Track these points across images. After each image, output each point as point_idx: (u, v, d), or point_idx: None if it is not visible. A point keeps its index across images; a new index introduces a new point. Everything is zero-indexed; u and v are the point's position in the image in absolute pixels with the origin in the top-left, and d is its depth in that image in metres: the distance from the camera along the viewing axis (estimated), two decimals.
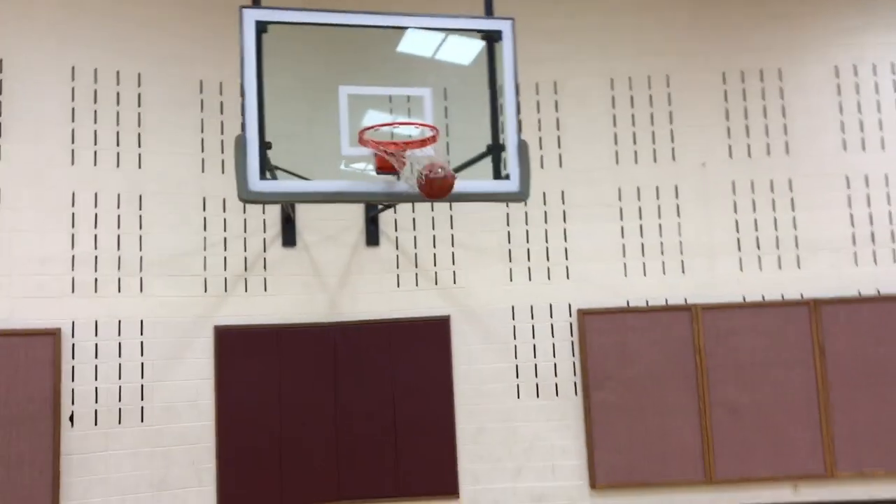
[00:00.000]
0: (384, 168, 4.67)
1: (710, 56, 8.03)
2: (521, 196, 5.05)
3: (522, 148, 5.09)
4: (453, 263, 7.86)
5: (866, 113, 7.94)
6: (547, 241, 7.88)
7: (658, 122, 7.97)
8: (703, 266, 7.80)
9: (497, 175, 5.12)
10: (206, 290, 7.38)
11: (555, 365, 7.71)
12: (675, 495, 7.50)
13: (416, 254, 7.89)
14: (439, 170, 4.45)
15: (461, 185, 4.80)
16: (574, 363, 7.69)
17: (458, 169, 5.28)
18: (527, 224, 7.89)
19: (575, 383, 7.67)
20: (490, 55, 5.23)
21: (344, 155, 4.79)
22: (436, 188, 4.47)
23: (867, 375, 7.58)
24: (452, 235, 7.91)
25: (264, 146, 4.69)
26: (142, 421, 7.02)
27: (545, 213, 7.90)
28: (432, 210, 7.84)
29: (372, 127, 4.70)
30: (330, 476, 7.47)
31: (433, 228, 7.90)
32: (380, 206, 7.68)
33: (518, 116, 5.13)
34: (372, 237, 7.88)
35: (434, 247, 7.90)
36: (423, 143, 4.62)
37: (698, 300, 7.71)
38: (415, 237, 7.91)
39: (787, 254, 7.80)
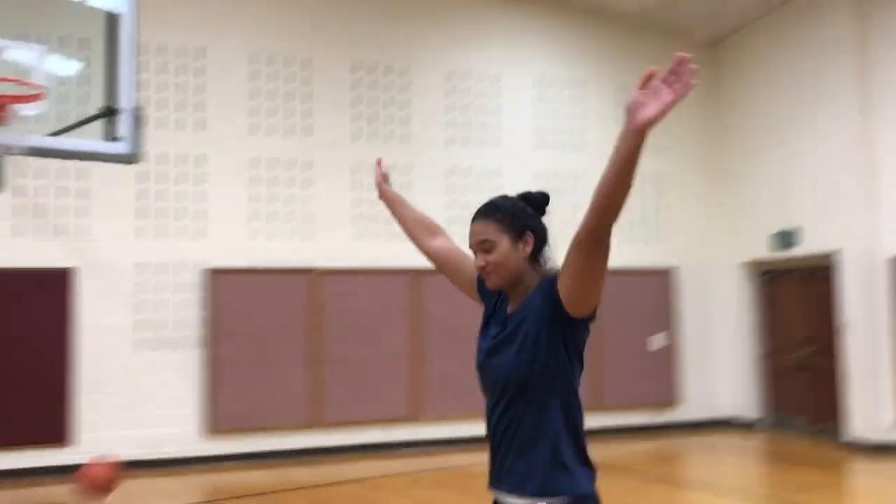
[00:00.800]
0: None
1: (345, 46, 8.91)
2: (132, 159, 5.39)
3: (137, 111, 5.43)
4: (78, 216, 7.92)
5: (472, 114, 9.34)
6: (181, 201, 8.25)
7: (296, 100, 8.69)
8: (325, 235, 8.68)
9: (110, 136, 5.40)
10: None
11: (180, 320, 8.14)
12: (287, 437, 8.36)
13: (38, 203, 7.81)
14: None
15: (72, 143, 5.01)
16: (199, 318, 8.18)
17: (73, 127, 5.47)
18: (161, 182, 8.19)
19: (199, 337, 8.17)
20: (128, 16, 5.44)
21: None
22: (99, 483, 3.56)
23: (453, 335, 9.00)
24: (79, 188, 7.93)
25: None
26: None
27: (181, 173, 8.26)
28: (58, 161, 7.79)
29: None
30: None
31: (58, 179, 7.87)
32: None
33: (137, 77, 5.44)
34: None
35: (59, 197, 7.88)
36: (23, 99, 4.75)
37: (319, 265, 8.59)
38: (35, 186, 7.79)
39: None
